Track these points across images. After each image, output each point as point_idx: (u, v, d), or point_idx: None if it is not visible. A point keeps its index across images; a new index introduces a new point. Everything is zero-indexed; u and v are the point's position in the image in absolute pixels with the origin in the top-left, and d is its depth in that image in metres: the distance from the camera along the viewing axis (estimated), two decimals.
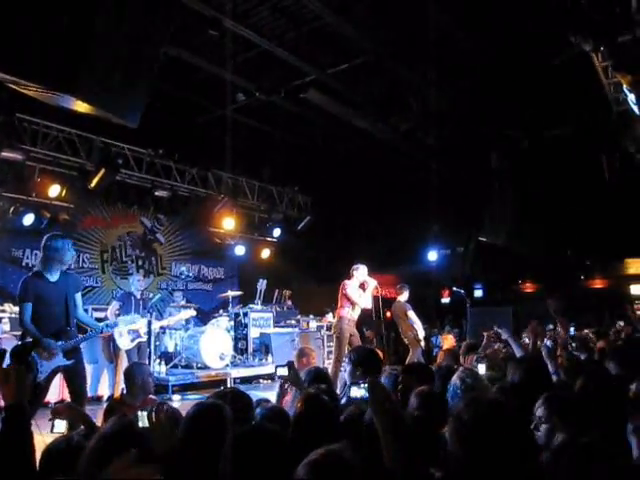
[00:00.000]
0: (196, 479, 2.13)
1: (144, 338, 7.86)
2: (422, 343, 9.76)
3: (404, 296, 9.79)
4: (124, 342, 7.92)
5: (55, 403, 7.29)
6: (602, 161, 10.00)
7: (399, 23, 8.15)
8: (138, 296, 8.33)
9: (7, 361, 3.96)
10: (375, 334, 12.46)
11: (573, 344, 5.29)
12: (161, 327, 9.31)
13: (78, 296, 5.37)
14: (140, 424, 2.39)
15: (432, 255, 14.51)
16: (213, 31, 7.87)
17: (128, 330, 7.89)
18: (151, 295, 8.94)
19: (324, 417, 2.75)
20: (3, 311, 8.49)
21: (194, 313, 9.43)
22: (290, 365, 3.74)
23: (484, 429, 2.01)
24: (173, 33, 5.48)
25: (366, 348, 5.24)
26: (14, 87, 4.42)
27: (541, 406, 2.61)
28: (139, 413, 2.43)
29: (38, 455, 2.32)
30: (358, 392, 2.76)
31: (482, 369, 3.96)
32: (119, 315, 8.08)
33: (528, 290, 19.95)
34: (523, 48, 8.42)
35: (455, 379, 3.25)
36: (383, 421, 2.32)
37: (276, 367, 3.78)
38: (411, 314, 9.53)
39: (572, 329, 6.31)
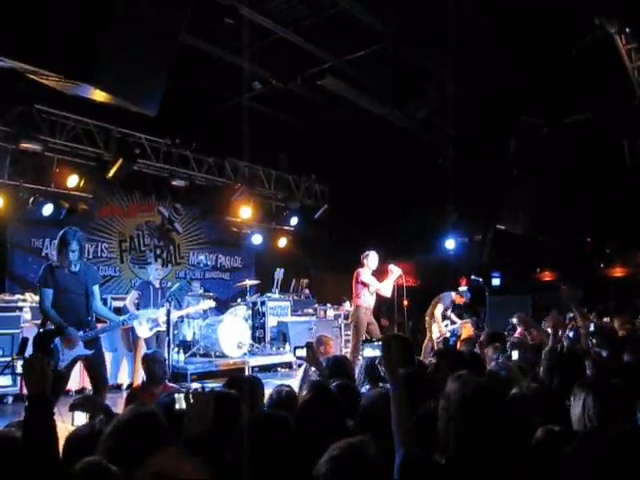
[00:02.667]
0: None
1: (163, 327, 7.87)
2: (434, 336, 10.26)
3: (459, 299, 10.49)
4: (143, 331, 7.98)
5: (76, 391, 7.40)
6: (624, 147, 9.82)
7: (416, 9, 8.04)
8: (157, 285, 8.37)
9: (29, 350, 4.00)
10: (391, 322, 12.44)
11: (594, 340, 5.02)
12: (179, 316, 9.38)
13: (96, 288, 5.39)
14: (177, 406, 2.44)
15: (450, 243, 14.40)
16: (229, 19, 7.84)
17: (147, 319, 7.94)
18: (170, 284, 8.99)
19: (329, 407, 2.73)
20: (24, 300, 8.58)
21: (213, 304, 9.44)
22: (309, 346, 3.75)
23: (469, 411, 2.01)
24: (189, 22, 5.45)
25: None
26: (33, 77, 4.43)
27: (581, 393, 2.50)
28: (176, 396, 2.48)
29: (62, 443, 2.35)
30: (372, 352, 2.73)
31: (515, 355, 4.00)
32: (138, 304, 8.13)
33: (546, 278, 19.69)
34: (544, 32, 8.27)
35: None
36: (395, 380, 2.32)
37: (294, 348, 3.79)
38: (443, 312, 10.17)
39: (592, 325, 5.87)
